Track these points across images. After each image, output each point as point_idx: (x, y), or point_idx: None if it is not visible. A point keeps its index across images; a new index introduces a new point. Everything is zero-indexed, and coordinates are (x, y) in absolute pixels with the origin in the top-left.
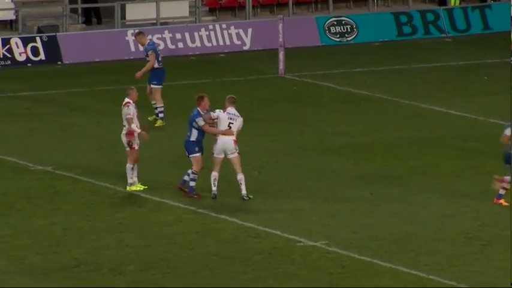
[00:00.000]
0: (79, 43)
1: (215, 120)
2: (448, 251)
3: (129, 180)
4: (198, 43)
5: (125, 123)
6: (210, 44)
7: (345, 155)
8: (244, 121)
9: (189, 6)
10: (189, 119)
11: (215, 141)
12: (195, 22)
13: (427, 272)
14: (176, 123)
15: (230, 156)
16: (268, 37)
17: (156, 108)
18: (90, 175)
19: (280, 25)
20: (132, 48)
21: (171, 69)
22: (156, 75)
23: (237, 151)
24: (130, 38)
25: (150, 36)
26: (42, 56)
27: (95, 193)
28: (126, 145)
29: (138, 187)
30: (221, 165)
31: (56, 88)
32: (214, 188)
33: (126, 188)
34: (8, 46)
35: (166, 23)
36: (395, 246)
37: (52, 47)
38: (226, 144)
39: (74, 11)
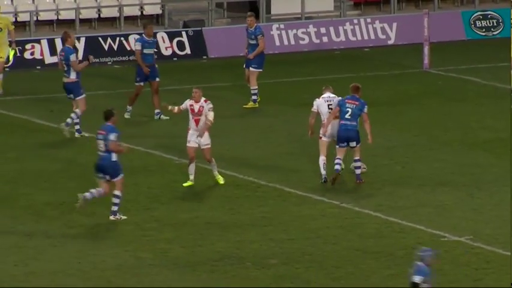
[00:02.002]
0: (224, 37)
1: (312, 110)
2: None
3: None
4: (342, 37)
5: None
6: (354, 38)
7: (489, 150)
8: (388, 115)
9: (334, 1)
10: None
11: (323, 125)
12: (340, 16)
13: None
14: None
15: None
16: (413, 31)
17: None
18: (234, 169)
19: (426, 19)
20: (277, 43)
21: (315, 64)
22: (258, 58)
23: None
24: (275, 32)
25: (295, 31)
26: (187, 51)
27: (238, 187)
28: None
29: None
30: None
31: (200, 82)
32: (324, 172)
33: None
34: None
35: (311, 18)
36: None
37: (197, 42)
38: (335, 128)
39: (219, 5)
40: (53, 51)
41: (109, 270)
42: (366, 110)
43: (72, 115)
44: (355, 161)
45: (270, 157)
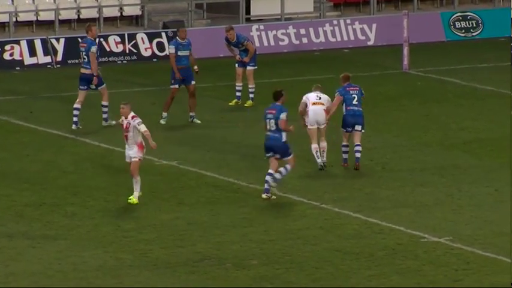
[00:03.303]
0: (204, 38)
1: (302, 101)
2: None
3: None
4: (322, 38)
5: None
6: (334, 39)
7: (469, 151)
8: (368, 116)
9: (314, 2)
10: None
11: (306, 113)
12: (320, 17)
13: None
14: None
15: (321, 126)
16: (393, 32)
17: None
18: (214, 170)
19: (405, 20)
20: (257, 44)
21: (295, 65)
22: (253, 58)
23: (327, 122)
24: (255, 33)
25: (274, 32)
26: (167, 52)
27: (218, 188)
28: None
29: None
30: (317, 136)
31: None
32: (319, 160)
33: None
34: (133, 41)
35: (290, 19)
36: None
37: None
38: (318, 115)
39: (199, 6)
40: (32, 52)
41: (89, 271)
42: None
43: (104, 109)
44: (357, 145)
45: (250, 158)
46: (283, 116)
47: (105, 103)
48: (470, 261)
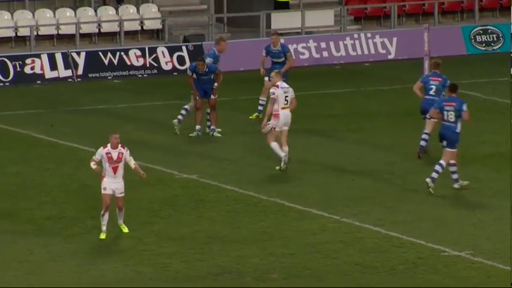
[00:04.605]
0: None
1: (272, 97)
2: None
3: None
4: (342, 52)
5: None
6: (354, 53)
7: (490, 165)
8: (389, 130)
9: (334, 15)
10: None
11: (277, 115)
12: (340, 31)
13: None
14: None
15: (285, 128)
16: (414, 46)
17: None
18: (234, 183)
19: (426, 34)
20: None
21: (315, 78)
22: (286, 71)
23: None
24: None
25: (295, 46)
26: (188, 65)
27: (239, 201)
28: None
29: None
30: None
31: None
32: (283, 154)
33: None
34: (154, 55)
35: (311, 32)
36: None
37: (198, 56)
38: (287, 118)
39: (219, 20)
40: (53, 65)
41: (109, 284)
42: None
43: (183, 111)
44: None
45: (271, 171)
46: (465, 107)
47: (187, 107)
48: (491, 275)
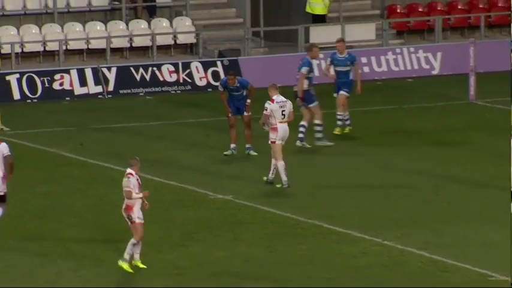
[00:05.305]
0: (261, 67)
1: (266, 113)
2: None
3: (125, 255)
4: (384, 67)
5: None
6: (397, 68)
7: None
8: (434, 149)
9: (376, 29)
10: None
11: (275, 129)
12: (382, 45)
13: None
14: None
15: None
16: (459, 61)
17: (342, 118)
18: (271, 204)
19: (472, 49)
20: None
21: (356, 95)
22: (351, 83)
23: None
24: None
25: None
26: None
27: (276, 223)
28: (127, 220)
29: (126, 267)
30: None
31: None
32: (285, 179)
33: (118, 262)
34: (188, 70)
35: (351, 47)
36: None
37: (234, 72)
38: (286, 132)
39: (256, 34)
40: (82, 81)
41: None
42: None
43: (301, 129)
44: None
45: (309, 192)
46: None
47: (317, 121)
48: None
